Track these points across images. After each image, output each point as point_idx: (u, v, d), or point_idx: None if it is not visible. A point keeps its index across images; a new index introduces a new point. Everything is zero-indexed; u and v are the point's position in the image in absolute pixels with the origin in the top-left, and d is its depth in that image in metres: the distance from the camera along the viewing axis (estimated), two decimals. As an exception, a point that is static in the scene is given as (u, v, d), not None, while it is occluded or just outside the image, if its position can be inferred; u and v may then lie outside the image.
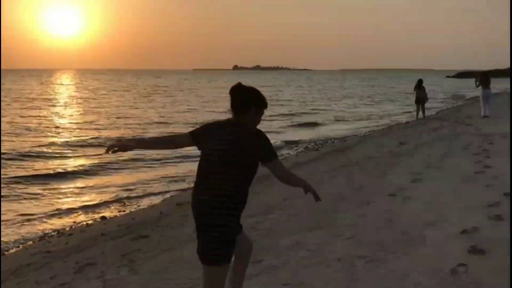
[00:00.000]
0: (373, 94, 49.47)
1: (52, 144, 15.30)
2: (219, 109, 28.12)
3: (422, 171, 7.74)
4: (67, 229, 7.24)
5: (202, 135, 2.90)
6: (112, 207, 8.34)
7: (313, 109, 29.32)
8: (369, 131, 18.17)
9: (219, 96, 44.33)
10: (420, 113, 20.04)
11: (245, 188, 2.82)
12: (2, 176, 9.94)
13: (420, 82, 19.64)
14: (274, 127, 20.32)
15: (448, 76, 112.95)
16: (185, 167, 11.54)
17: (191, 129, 3.11)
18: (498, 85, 57.36)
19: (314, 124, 21.85)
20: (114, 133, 17.96)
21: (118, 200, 8.74)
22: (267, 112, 3.14)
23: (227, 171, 2.73)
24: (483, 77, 16.72)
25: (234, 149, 2.74)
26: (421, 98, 19.59)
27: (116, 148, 2.91)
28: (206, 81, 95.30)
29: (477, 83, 16.93)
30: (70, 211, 8.25)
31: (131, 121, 22.40)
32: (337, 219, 5.53)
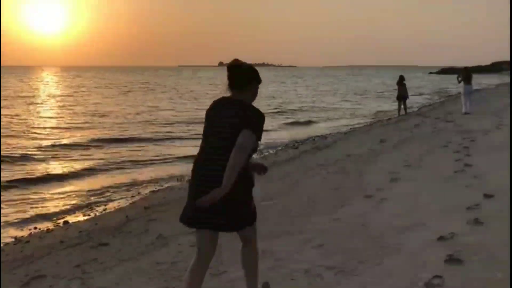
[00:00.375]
0: (358, 90, 49.35)
1: (21, 146, 14.47)
2: (201, 106, 27.64)
3: (401, 170, 7.47)
4: (26, 235, 6.77)
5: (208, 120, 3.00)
6: (78, 212, 7.88)
7: (298, 107, 28.93)
8: (350, 128, 17.91)
9: (201, 92, 43.84)
10: (402, 109, 19.91)
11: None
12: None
13: (401, 78, 19.48)
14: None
15: (431, 73, 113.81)
16: (160, 170, 11.14)
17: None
18: (479, 81, 58.06)
19: (296, 123, 21.51)
20: (88, 133, 17.35)
21: (86, 204, 8.28)
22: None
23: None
24: (465, 73, 16.60)
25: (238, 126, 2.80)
26: (402, 94, 19.45)
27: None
28: (190, 77, 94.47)
29: (459, 79, 16.80)
30: (34, 216, 7.75)
31: (107, 120, 21.73)
32: (309, 223, 5.20)
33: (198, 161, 2.94)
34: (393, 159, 8.65)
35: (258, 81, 3.02)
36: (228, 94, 3.01)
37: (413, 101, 31.67)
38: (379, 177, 7.20)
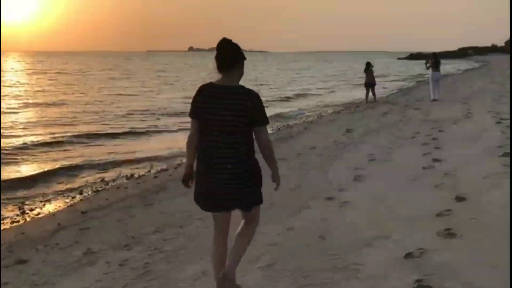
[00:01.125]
0: (326, 76, 48.95)
1: None
2: (155, 95, 26.46)
3: (366, 166, 6.89)
4: None
5: (199, 109, 3.02)
6: (8, 217, 6.95)
7: (267, 96, 28.00)
8: (317, 116, 17.33)
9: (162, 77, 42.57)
10: (371, 95, 19.48)
11: None
12: None
13: (368, 65, 18.96)
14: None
15: (400, 58, 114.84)
16: (110, 167, 10.09)
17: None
18: (447, 67, 58.61)
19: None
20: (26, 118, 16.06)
21: (18, 207, 7.33)
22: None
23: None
24: (433, 59, 16.22)
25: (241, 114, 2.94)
26: (369, 81, 18.97)
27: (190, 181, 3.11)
28: (154, 63, 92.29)
29: (428, 65, 16.43)
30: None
31: (57, 110, 20.26)
32: (258, 234, 4.49)
33: (206, 152, 3.02)
34: (359, 153, 8.07)
35: (243, 56, 3.03)
36: (215, 78, 3.00)
37: (381, 86, 31.54)
38: (342, 174, 6.60)
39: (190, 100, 3.10)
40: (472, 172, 5.87)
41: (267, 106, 3.38)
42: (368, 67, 18.85)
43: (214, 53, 2.99)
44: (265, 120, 3.00)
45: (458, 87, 21.43)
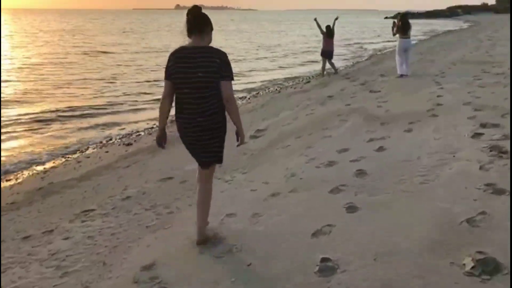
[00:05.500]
0: (301, 38, 44.36)
1: None
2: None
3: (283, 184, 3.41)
4: None
5: (171, 70, 3.24)
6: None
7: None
8: (257, 93, 13.55)
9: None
10: (329, 67, 15.80)
11: None
12: None
13: (328, 30, 15.10)
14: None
15: (386, 17, 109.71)
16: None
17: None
18: (433, 27, 54.34)
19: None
20: None
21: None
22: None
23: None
24: (401, 22, 12.43)
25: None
26: (327, 49, 15.19)
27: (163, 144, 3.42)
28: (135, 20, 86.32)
29: (394, 30, 12.66)
30: None
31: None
32: None
33: (179, 108, 3.26)
34: (290, 156, 4.63)
35: (211, 25, 3.27)
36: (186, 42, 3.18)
37: (350, 51, 27.68)
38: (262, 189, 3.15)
39: None
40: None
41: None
42: (329, 31, 15.03)
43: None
44: (230, 75, 3.19)
45: (435, 55, 17.67)
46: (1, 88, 14.40)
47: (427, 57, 16.72)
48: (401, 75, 12.24)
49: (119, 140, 9.09)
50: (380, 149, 5.43)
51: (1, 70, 18.05)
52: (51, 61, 22.87)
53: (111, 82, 16.75)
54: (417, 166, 4.62)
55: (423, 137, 5.75)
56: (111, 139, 9.26)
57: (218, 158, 3.38)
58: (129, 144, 8.51)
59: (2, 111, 11.41)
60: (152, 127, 10.08)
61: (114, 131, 9.98)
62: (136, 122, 10.84)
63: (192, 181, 4.43)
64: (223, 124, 3.28)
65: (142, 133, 9.72)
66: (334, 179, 4.54)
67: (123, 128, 10.23)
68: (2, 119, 10.54)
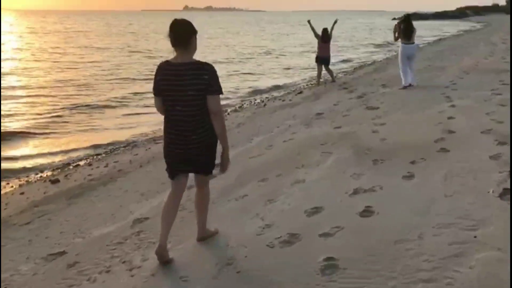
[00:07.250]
0: (303, 40, 42.43)
1: None
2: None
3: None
4: None
5: (160, 87, 3.19)
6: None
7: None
8: (229, 112, 11.83)
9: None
10: (326, 75, 14.14)
11: None
12: None
13: (325, 33, 13.42)
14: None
15: (394, 18, 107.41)
16: None
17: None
18: (443, 29, 52.15)
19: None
20: None
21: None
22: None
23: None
24: (405, 25, 10.74)
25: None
26: (323, 56, 13.49)
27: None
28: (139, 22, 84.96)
29: (396, 34, 10.96)
30: None
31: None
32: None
33: (170, 124, 3.20)
34: (236, 224, 3.06)
35: (195, 32, 3.17)
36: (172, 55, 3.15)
37: (355, 56, 25.85)
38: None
39: None
40: None
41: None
42: (326, 35, 13.35)
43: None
44: (219, 89, 3.13)
45: (445, 61, 15.90)
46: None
47: (435, 63, 14.97)
48: (405, 86, 10.56)
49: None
50: (366, 212, 3.76)
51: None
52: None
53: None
54: (418, 256, 2.96)
55: (428, 191, 4.07)
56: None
57: (208, 170, 3.38)
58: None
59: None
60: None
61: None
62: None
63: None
64: (217, 138, 3.26)
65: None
66: (287, 277, 2.90)
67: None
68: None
